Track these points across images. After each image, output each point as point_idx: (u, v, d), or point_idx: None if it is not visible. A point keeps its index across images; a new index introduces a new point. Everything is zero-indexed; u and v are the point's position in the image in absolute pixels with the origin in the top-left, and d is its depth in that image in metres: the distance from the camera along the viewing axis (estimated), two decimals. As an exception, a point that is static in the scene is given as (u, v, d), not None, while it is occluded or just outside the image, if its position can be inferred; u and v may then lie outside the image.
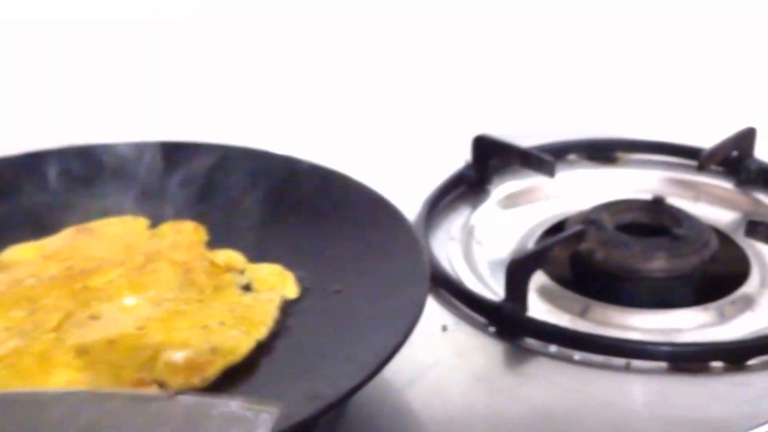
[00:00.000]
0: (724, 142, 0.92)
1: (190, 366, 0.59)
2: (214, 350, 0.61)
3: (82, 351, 0.60)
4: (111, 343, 0.61)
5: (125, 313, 0.64)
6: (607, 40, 1.15)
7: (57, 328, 0.62)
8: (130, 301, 0.65)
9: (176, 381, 0.58)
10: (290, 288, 0.69)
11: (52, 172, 0.77)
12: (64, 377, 0.58)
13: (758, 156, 0.94)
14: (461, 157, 0.94)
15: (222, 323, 0.63)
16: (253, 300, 0.67)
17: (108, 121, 1.00)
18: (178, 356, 0.60)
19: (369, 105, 1.09)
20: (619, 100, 1.10)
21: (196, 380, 0.59)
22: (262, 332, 0.63)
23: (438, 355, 0.71)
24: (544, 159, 0.88)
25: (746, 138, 0.94)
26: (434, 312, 0.75)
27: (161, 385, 0.58)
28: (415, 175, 0.93)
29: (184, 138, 0.82)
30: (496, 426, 0.64)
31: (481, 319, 0.74)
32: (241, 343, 0.62)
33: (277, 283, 0.69)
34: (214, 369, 0.60)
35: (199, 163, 0.78)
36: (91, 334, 0.62)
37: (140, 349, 0.60)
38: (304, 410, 0.53)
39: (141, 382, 0.59)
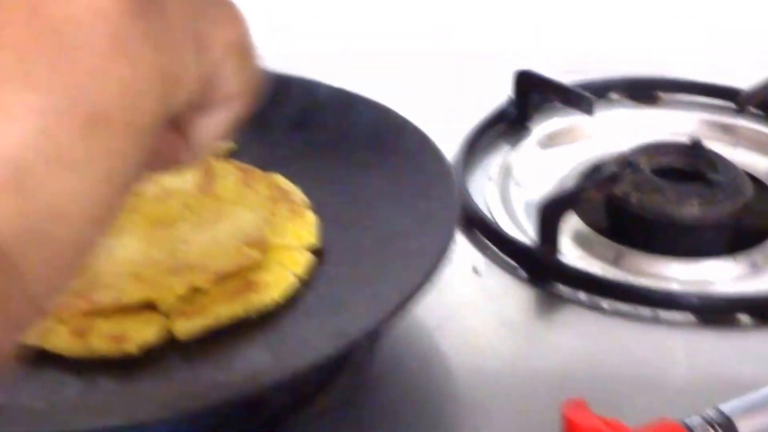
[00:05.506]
0: (765, 84, 0.90)
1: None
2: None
3: None
4: None
5: None
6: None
7: None
8: None
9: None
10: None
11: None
12: None
13: (802, 100, 0.91)
14: (504, 93, 0.93)
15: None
16: None
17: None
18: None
19: (413, 40, 1.08)
20: (666, 39, 1.09)
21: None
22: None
23: (468, 297, 0.71)
24: (583, 96, 0.88)
25: (790, 80, 0.91)
26: (467, 253, 0.75)
27: None
28: (457, 112, 0.92)
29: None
30: (521, 372, 0.64)
31: (513, 263, 0.74)
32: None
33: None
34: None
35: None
36: None
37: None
38: (328, 348, 0.56)
39: None
